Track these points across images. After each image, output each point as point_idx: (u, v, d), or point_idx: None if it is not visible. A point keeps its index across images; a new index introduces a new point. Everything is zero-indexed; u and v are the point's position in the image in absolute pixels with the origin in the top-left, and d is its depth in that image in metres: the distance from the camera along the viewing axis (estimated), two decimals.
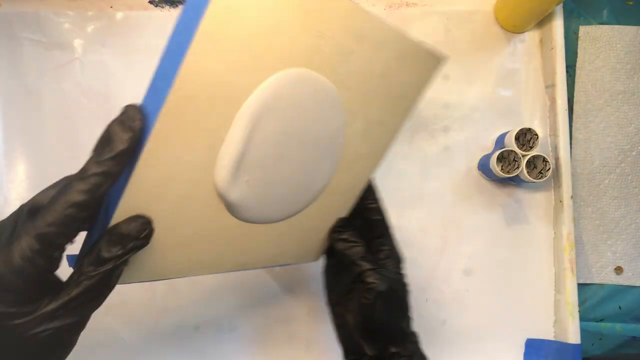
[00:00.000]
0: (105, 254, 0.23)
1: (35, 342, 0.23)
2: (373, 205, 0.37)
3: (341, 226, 0.35)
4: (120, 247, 0.23)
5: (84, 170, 0.22)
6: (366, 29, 0.31)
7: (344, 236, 0.35)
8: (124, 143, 0.22)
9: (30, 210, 0.24)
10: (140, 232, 0.23)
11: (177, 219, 0.26)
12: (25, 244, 0.22)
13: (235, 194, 0.28)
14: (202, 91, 0.23)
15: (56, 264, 0.24)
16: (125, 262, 0.24)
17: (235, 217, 0.29)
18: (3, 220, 0.24)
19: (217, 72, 0.23)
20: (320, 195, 0.34)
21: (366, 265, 0.33)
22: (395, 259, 0.36)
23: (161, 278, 0.27)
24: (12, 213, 0.25)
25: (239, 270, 0.31)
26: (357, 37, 0.30)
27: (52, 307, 0.23)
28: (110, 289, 0.24)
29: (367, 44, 0.31)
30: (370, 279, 0.32)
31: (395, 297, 0.34)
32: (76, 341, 0.26)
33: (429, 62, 0.36)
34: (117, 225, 0.23)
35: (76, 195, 0.22)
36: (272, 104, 0.27)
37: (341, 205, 0.37)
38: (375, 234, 0.36)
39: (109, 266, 0.23)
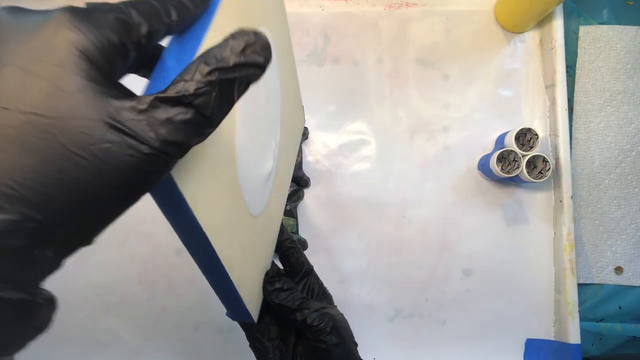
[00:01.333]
0: (231, 58, 0.16)
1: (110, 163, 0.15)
2: (291, 245, 0.37)
3: (271, 277, 0.34)
4: (241, 56, 0.16)
5: None
6: (292, 59, 0.35)
7: (278, 285, 0.33)
8: None
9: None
10: (260, 39, 0.17)
11: None
12: (113, 14, 0.16)
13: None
14: None
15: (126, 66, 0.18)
16: (238, 90, 0.17)
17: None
18: None
19: None
20: (262, 215, 0.33)
21: (307, 311, 0.33)
22: (326, 294, 0.37)
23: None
24: None
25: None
26: (287, 62, 0.33)
27: (162, 96, 0.15)
28: (215, 123, 0.17)
29: (289, 70, 0.35)
30: (316, 322, 0.32)
31: (342, 329, 0.34)
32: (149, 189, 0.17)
33: (302, 115, 0.41)
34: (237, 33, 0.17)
35: None
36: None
37: (267, 251, 0.35)
38: (302, 273, 0.37)
39: (232, 73, 0.16)
